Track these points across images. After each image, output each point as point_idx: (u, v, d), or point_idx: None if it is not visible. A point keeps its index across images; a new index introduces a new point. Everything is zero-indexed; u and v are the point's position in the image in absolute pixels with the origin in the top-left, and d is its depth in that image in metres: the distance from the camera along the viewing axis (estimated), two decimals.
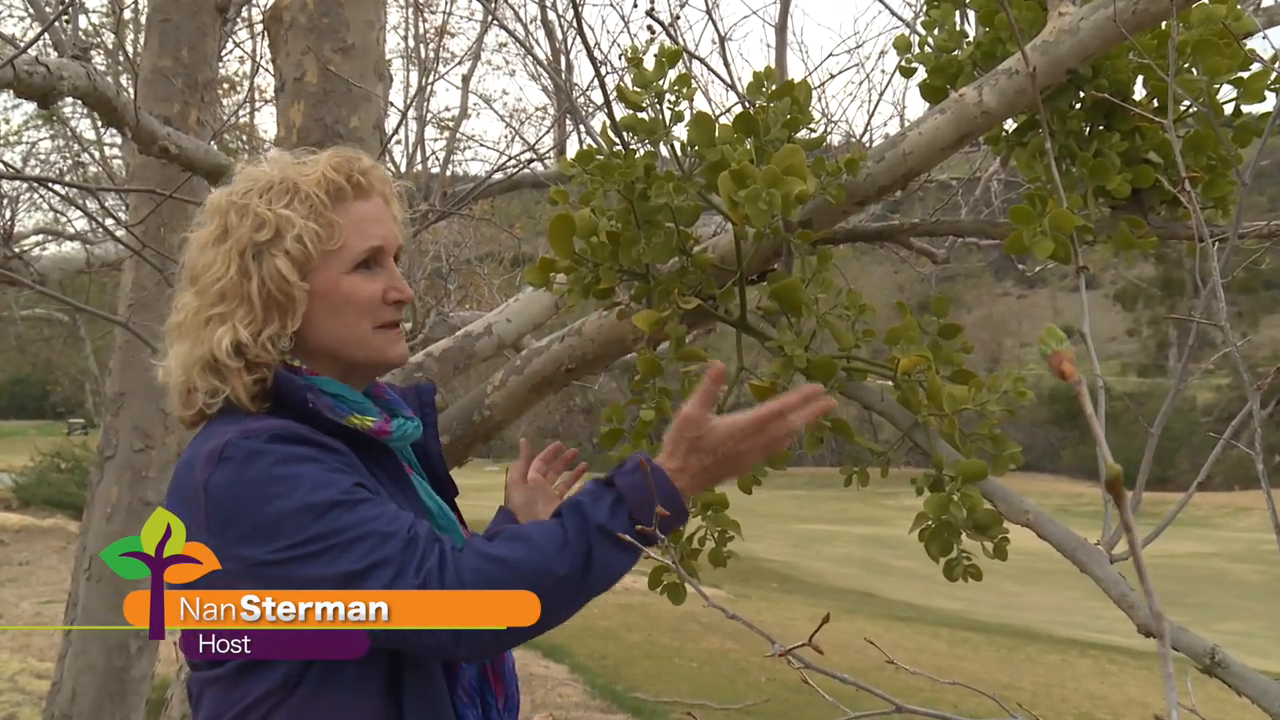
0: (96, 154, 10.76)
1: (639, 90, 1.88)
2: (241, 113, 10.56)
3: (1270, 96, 1.87)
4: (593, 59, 2.48)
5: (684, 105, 1.89)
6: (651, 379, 1.92)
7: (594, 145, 2.00)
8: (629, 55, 1.92)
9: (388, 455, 1.57)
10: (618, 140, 1.94)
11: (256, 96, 10.24)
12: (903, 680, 9.34)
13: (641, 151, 1.89)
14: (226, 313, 1.49)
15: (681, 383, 1.93)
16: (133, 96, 2.21)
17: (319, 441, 1.43)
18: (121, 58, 9.72)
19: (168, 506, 1.45)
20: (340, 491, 1.37)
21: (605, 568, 1.43)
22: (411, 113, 7.23)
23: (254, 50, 9.90)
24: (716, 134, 1.87)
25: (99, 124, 10.28)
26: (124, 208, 5.79)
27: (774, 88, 1.91)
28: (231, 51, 9.87)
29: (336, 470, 1.41)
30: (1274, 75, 1.83)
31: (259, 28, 9.41)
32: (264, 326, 1.49)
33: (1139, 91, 2.00)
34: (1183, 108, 1.93)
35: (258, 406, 1.49)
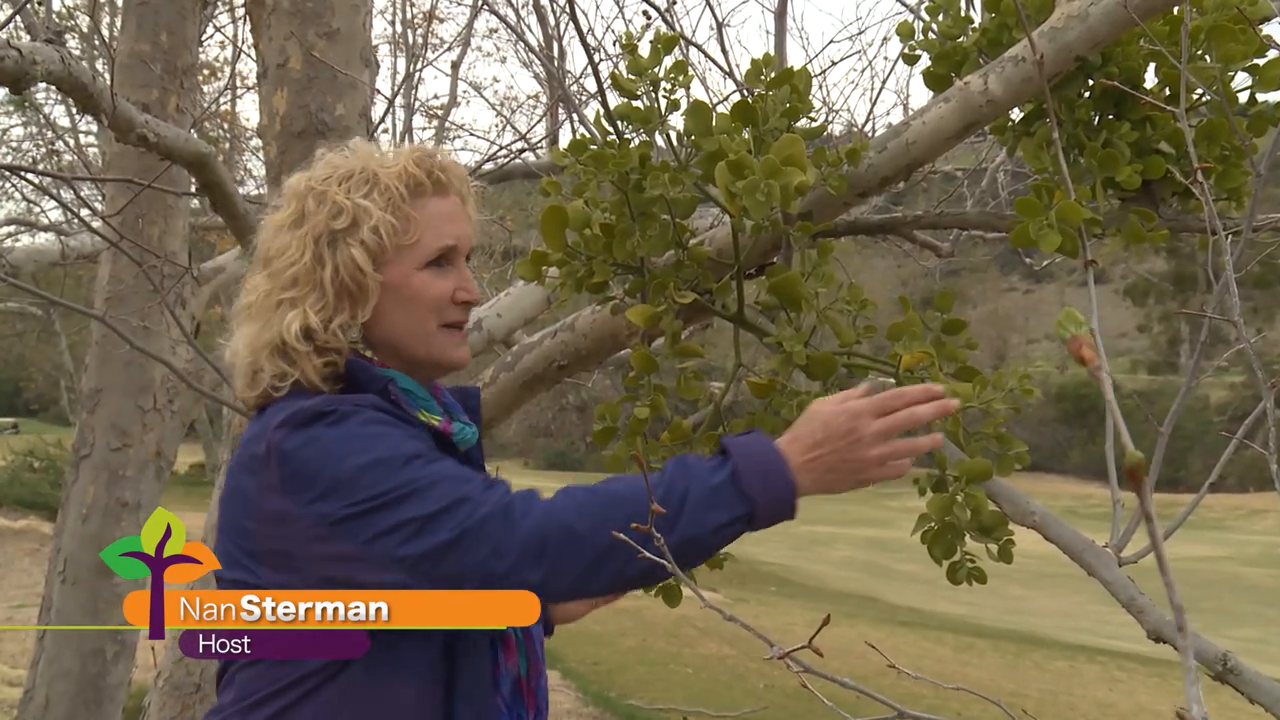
0: (71, 142, 10.75)
1: (634, 78, 1.88)
2: (223, 100, 10.54)
3: None
4: (586, 45, 2.48)
5: (680, 93, 1.89)
6: (646, 376, 1.92)
7: (587, 135, 2.00)
8: (624, 42, 1.92)
9: (455, 453, 1.59)
10: (612, 130, 1.94)
11: (238, 83, 10.23)
12: (905, 686, 9.36)
13: (636, 141, 1.89)
14: (297, 297, 1.53)
15: (677, 379, 1.93)
16: (109, 82, 2.21)
17: (402, 417, 1.48)
18: (97, 42, 9.70)
19: (230, 481, 1.48)
20: (422, 449, 1.42)
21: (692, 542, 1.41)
22: (399, 101, 7.23)
23: (235, 35, 9.89)
24: (714, 123, 1.87)
25: (74, 111, 10.27)
26: (100, 198, 5.78)
27: (773, 75, 1.91)
28: (212, 36, 9.85)
29: (416, 439, 1.44)
30: None
31: (240, 11, 9.40)
32: (335, 314, 1.53)
33: (1150, 79, 2.00)
34: (1195, 96, 1.93)
35: (330, 389, 1.52)
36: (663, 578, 1.45)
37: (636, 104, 1.90)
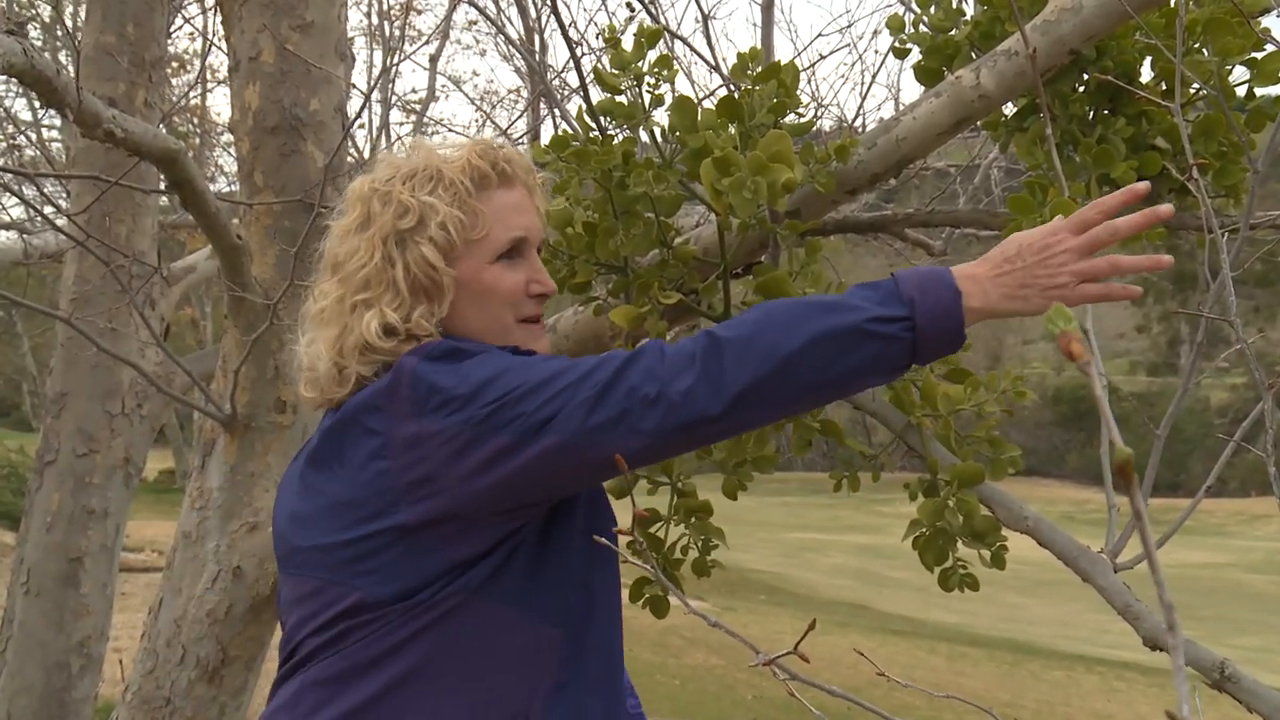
0: (34, 136, 10.70)
1: (617, 72, 1.88)
2: (193, 94, 10.51)
3: None
4: (568, 39, 2.49)
5: (665, 88, 1.89)
6: None
7: (570, 130, 2.01)
8: (606, 35, 1.92)
9: None
10: (594, 125, 1.94)
11: (209, 76, 10.21)
12: (897, 697, 9.39)
13: (620, 137, 1.90)
14: (372, 299, 1.54)
15: None
16: (74, 76, 2.20)
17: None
18: (60, 33, 9.66)
19: (327, 447, 1.52)
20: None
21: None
22: (376, 95, 7.22)
23: (205, 26, 9.87)
24: (699, 119, 1.88)
25: (36, 105, 10.22)
26: (65, 195, 5.76)
27: (760, 69, 1.92)
28: (181, 28, 9.82)
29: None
30: None
31: (211, 2, 9.37)
32: (412, 309, 1.55)
33: (1146, 74, 2.02)
34: (1192, 91, 1.95)
35: None
36: (884, 368, 1.38)
37: (620, 99, 1.90)
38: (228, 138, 10.98)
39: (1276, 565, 27.86)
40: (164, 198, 5.50)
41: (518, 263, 1.61)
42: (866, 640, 14.32)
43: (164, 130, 3.51)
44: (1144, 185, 1.42)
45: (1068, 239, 1.40)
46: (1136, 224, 1.41)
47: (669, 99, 1.90)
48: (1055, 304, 0.50)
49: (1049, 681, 13.51)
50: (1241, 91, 1.95)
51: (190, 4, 9.23)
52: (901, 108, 2.02)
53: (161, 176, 2.63)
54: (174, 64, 11.74)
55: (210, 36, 9.29)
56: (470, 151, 1.60)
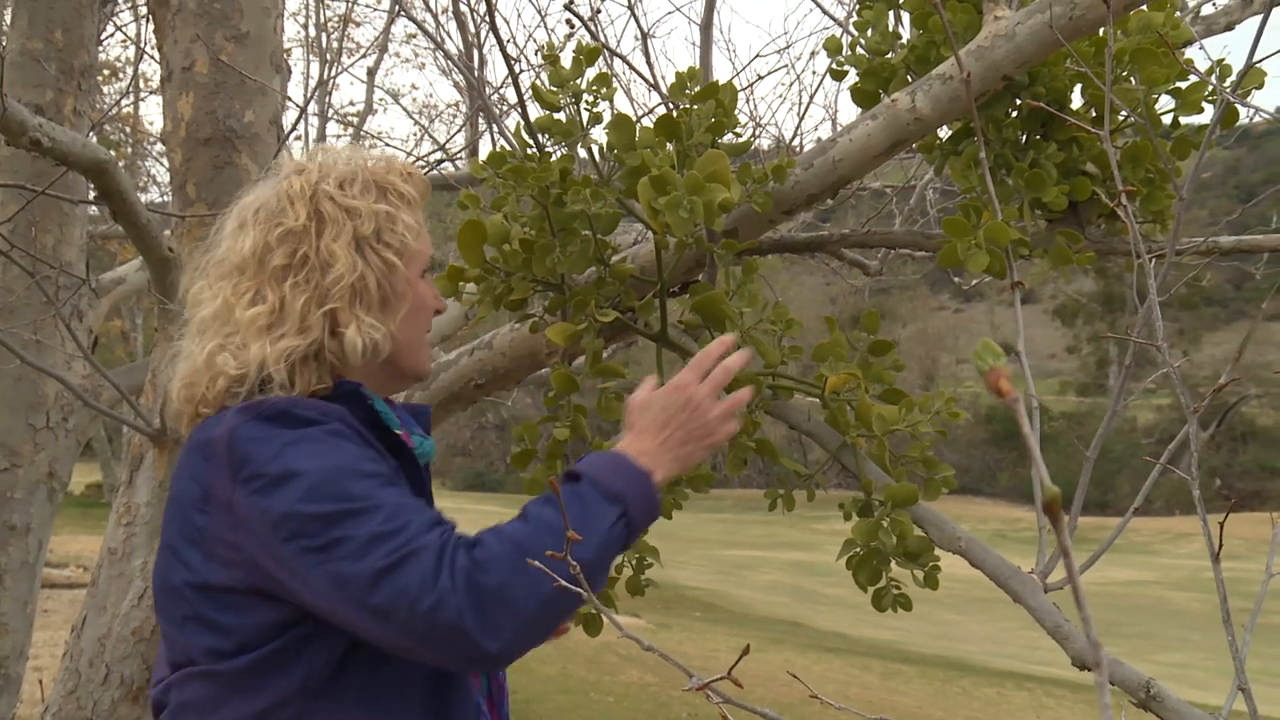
0: None
1: (555, 89, 1.88)
2: (125, 102, 10.36)
3: (1208, 108, 1.93)
4: (506, 56, 2.48)
5: (603, 106, 1.89)
6: (566, 396, 1.92)
7: (507, 146, 2.00)
8: (545, 52, 1.92)
9: (418, 472, 1.58)
10: (532, 142, 1.94)
11: (141, 84, 10.06)
12: (830, 716, 9.42)
13: (557, 155, 1.90)
14: (342, 307, 1.50)
15: (598, 400, 1.93)
16: None
17: (360, 433, 1.45)
18: None
19: (175, 482, 1.46)
20: (378, 470, 1.40)
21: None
22: (312, 107, 7.15)
23: (138, 34, 9.73)
24: (637, 137, 1.88)
25: None
26: None
27: (698, 89, 1.92)
28: (113, 35, 9.68)
29: (375, 462, 1.42)
30: (1211, 87, 1.89)
31: (144, 9, 9.24)
32: (388, 319, 1.54)
33: (1077, 100, 2.05)
34: (1120, 118, 1.99)
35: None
36: (581, 604, 1.45)
37: (558, 116, 1.90)
38: (160, 148, 10.83)
39: (1199, 583, 28.40)
40: (93, 207, 5.41)
41: (428, 280, 1.63)
42: (801, 658, 14.37)
43: (94, 139, 3.45)
44: (731, 338, 1.64)
45: (699, 389, 1.55)
46: (740, 361, 1.60)
47: (607, 117, 1.90)
48: (984, 341, 0.50)
49: (980, 699, 13.65)
50: (1167, 120, 1.99)
51: (123, 10, 9.10)
52: (838, 129, 2.04)
53: (91, 186, 2.59)
54: (105, 72, 11.57)
55: (142, 44, 9.16)
56: (402, 166, 1.61)
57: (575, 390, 1.91)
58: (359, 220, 1.52)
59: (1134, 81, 1.90)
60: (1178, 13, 1.96)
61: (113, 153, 2.36)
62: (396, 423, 1.55)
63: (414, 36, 11.64)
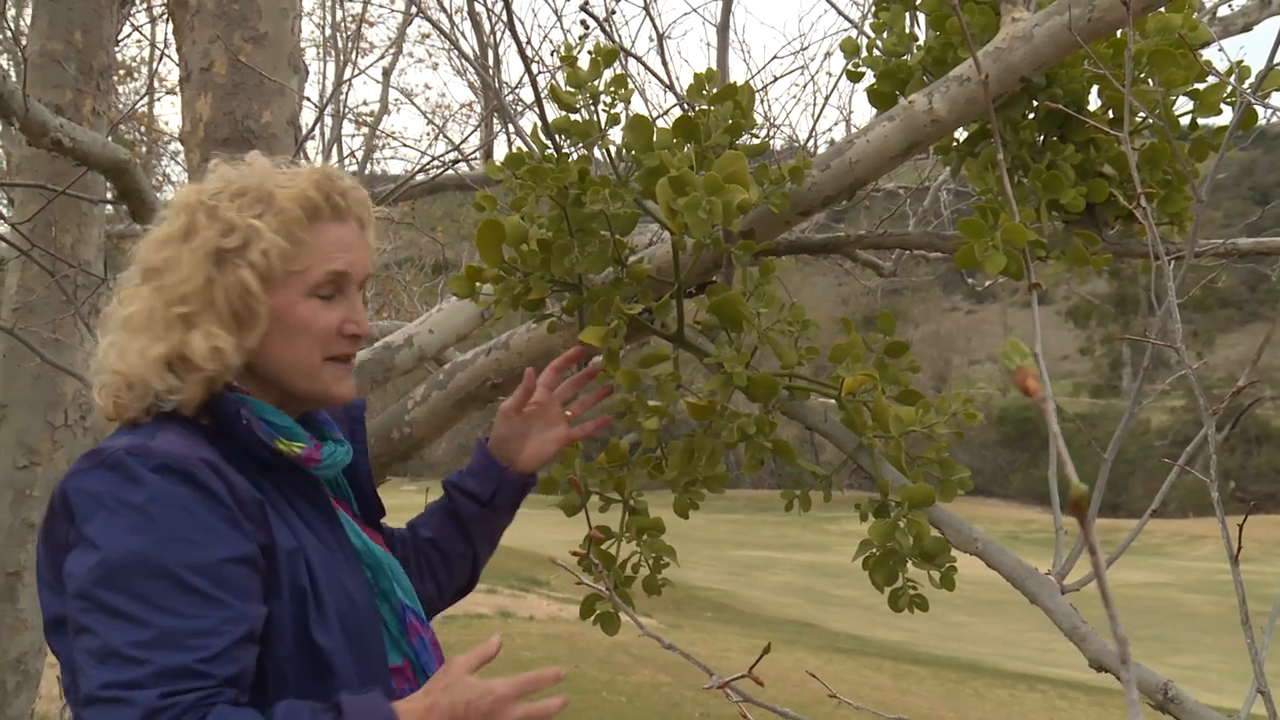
0: None
1: (573, 91, 1.89)
2: (140, 102, 10.40)
3: (1226, 109, 1.93)
4: (524, 56, 2.49)
5: (620, 107, 1.90)
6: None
7: (524, 147, 2.01)
8: (562, 53, 1.93)
9: (316, 489, 1.58)
10: (550, 143, 1.95)
11: (156, 84, 10.10)
12: (843, 715, 9.42)
13: (575, 155, 1.90)
14: (192, 314, 1.50)
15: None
16: (17, 81, 2.17)
17: (209, 488, 1.41)
18: (0, 36, 9.51)
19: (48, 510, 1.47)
20: (194, 557, 1.36)
21: None
22: (328, 108, 7.17)
23: (153, 34, 9.77)
24: (654, 138, 1.88)
25: None
26: (6, 202, 5.67)
27: (715, 90, 1.93)
28: (130, 35, 9.71)
29: (208, 531, 1.39)
30: (1229, 88, 1.89)
31: (159, 10, 9.28)
32: (228, 335, 1.51)
33: (1094, 102, 2.05)
34: (1138, 120, 1.98)
35: (197, 415, 1.51)
36: None
37: (575, 118, 1.91)
38: (175, 147, 10.87)
39: (1213, 585, 28.30)
40: (110, 207, 5.43)
41: (336, 300, 1.58)
42: (813, 658, 14.37)
43: (110, 139, 3.46)
44: (556, 671, 1.53)
45: (509, 709, 1.42)
46: (558, 706, 1.51)
47: (624, 118, 1.90)
48: (1011, 340, 0.51)
49: (993, 700, 13.62)
50: (1185, 121, 1.99)
51: (139, 11, 9.13)
52: (853, 130, 2.04)
53: (109, 186, 2.60)
54: (120, 72, 11.61)
55: (157, 44, 9.20)
56: (307, 180, 1.57)
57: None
58: (223, 233, 1.51)
59: (1152, 83, 1.90)
60: (1195, 14, 1.96)
61: (130, 152, 2.37)
62: (300, 436, 1.54)
63: (428, 36, 11.65)
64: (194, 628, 1.34)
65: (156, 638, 1.32)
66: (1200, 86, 1.92)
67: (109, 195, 4.05)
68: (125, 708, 1.29)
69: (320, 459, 1.56)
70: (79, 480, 1.41)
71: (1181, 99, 1.94)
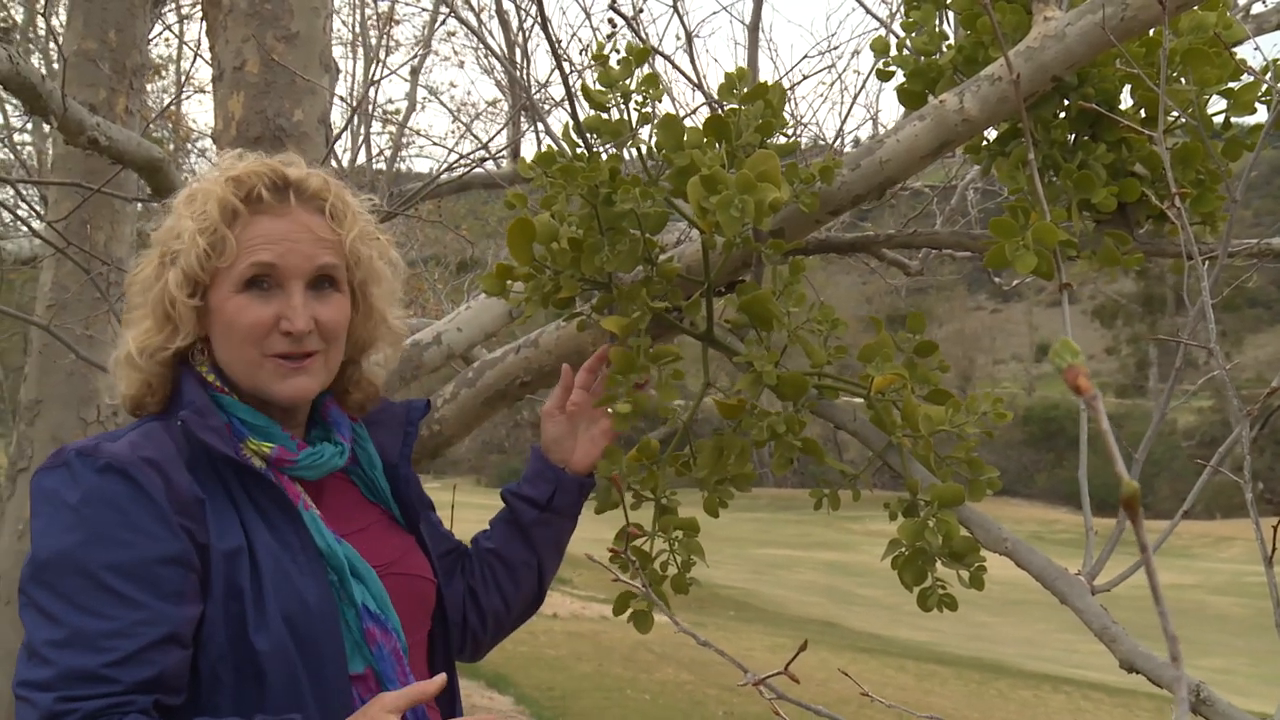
0: (3, 140, 10.60)
1: (604, 90, 1.89)
2: (167, 99, 10.46)
3: (1260, 108, 1.92)
4: (557, 55, 2.50)
5: (651, 106, 1.90)
6: (626, 375, 1.92)
7: (552, 145, 2.02)
8: (594, 53, 1.93)
9: (271, 489, 1.55)
10: (580, 142, 1.95)
11: (183, 83, 10.16)
12: (868, 715, 9.40)
13: (605, 154, 1.91)
14: (138, 315, 1.56)
15: (657, 380, 1.93)
16: (59, 83, 2.20)
17: (144, 488, 1.42)
18: (30, 34, 9.59)
19: None
20: (107, 563, 1.37)
21: None
22: (353, 104, 7.20)
23: (181, 32, 9.83)
24: (685, 137, 1.89)
25: (4, 109, 10.14)
26: (39, 200, 5.73)
27: (746, 90, 1.93)
28: (161, 34, 9.79)
29: (136, 531, 1.40)
30: (1265, 87, 1.88)
31: (186, 9, 9.34)
32: (155, 334, 1.53)
33: (1125, 101, 2.04)
34: (1171, 119, 1.97)
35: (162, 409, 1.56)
36: None
37: (607, 116, 1.91)
38: (202, 144, 10.95)
39: (1240, 587, 28.09)
40: (139, 204, 5.47)
41: (271, 294, 1.55)
42: (836, 657, 14.35)
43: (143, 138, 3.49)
44: (440, 680, 1.50)
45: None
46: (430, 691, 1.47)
47: (655, 117, 1.91)
48: (1063, 340, 0.51)
49: (1017, 701, 13.57)
50: (1219, 120, 1.98)
51: (168, 11, 9.20)
52: (882, 129, 2.04)
53: (143, 184, 2.62)
54: (148, 70, 11.69)
55: (185, 42, 9.26)
56: (242, 171, 1.56)
57: (634, 370, 1.90)
58: (177, 236, 1.54)
59: (1185, 82, 1.89)
60: (1229, 12, 1.94)
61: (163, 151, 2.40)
62: (276, 436, 1.56)
63: (453, 34, 11.69)
64: (107, 629, 1.34)
65: (68, 637, 1.33)
66: (1234, 85, 1.91)
67: (142, 193, 4.09)
68: (28, 708, 1.31)
69: (296, 460, 1.55)
70: (39, 478, 1.45)
71: (1215, 98, 1.93)
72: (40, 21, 9.44)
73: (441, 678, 1.49)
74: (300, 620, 1.46)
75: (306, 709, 1.44)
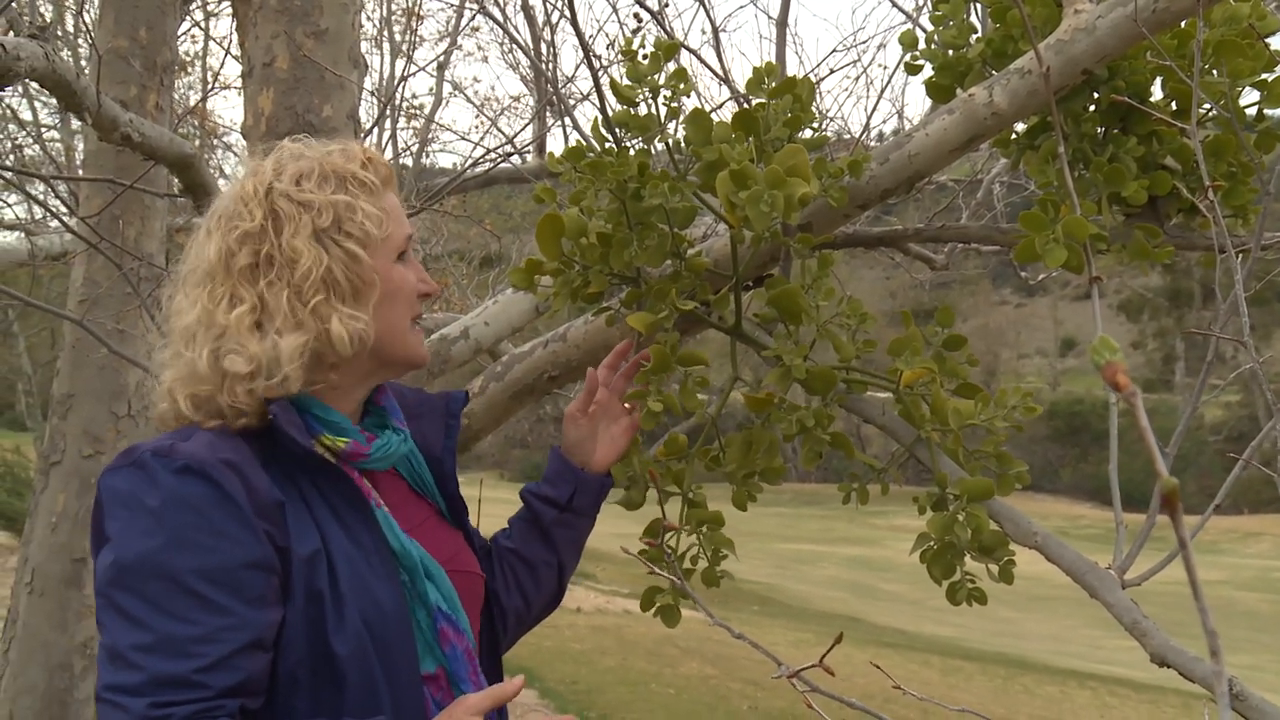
0: (34, 137, 10.69)
1: (633, 85, 1.89)
2: (194, 95, 10.53)
3: None
4: (587, 52, 2.50)
5: (679, 101, 1.90)
6: (661, 374, 1.93)
7: (580, 139, 2.02)
8: (622, 48, 1.94)
9: (347, 487, 1.54)
10: (609, 136, 1.96)
11: (210, 79, 10.22)
12: (895, 710, 9.38)
13: (634, 149, 1.91)
14: (321, 302, 1.50)
15: (682, 385, 1.93)
16: (88, 78, 2.21)
17: (226, 490, 1.40)
18: (59, 32, 9.66)
19: None
20: (191, 567, 1.36)
21: None
22: (382, 99, 7.23)
23: (207, 28, 9.89)
24: (713, 132, 1.89)
25: (37, 105, 10.23)
26: (71, 196, 5.78)
27: (774, 84, 1.93)
28: (190, 30, 9.85)
29: (219, 535, 1.39)
30: None
31: (214, 6, 9.39)
32: (363, 311, 1.53)
33: (1156, 93, 2.03)
34: (1202, 111, 1.96)
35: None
36: None
37: (635, 112, 1.92)
38: (229, 139, 11.01)
39: (1268, 583, 27.90)
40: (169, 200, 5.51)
41: (409, 262, 1.61)
42: (860, 652, 14.32)
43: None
44: (519, 682, 1.51)
45: None
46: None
47: (683, 112, 1.91)
48: (1101, 336, 0.51)
49: (1042, 697, 13.51)
50: (1251, 113, 1.96)
51: (197, 8, 9.25)
52: (909, 123, 2.03)
53: (173, 180, 2.64)
54: (176, 67, 11.76)
55: (212, 38, 9.31)
56: (363, 153, 1.60)
57: (670, 369, 1.90)
58: (315, 213, 1.51)
59: (1217, 74, 1.88)
60: (1263, 2, 1.93)
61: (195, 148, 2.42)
62: (349, 431, 1.54)
63: (477, 29, 11.72)
64: (195, 634, 1.34)
65: (156, 642, 1.33)
66: (1268, 77, 1.90)
67: (171, 189, 4.12)
68: (119, 713, 1.31)
69: (369, 453, 1.55)
70: (110, 478, 1.42)
71: (1247, 89, 1.92)
72: (69, 19, 9.51)
73: (520, 679, 1.49)
74: (376, 623, 1.46)
75: (382, 709, 1.44)
